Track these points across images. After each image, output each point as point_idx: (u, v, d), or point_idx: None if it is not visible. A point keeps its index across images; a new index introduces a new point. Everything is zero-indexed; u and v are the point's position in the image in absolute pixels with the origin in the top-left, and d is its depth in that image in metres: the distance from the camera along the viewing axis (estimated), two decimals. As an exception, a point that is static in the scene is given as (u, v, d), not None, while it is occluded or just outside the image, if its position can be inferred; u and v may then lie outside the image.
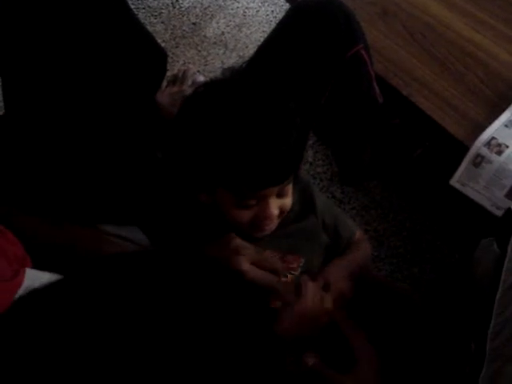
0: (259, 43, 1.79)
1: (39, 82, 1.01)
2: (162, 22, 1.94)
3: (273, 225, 0.93)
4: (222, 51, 1.87)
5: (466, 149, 1.12)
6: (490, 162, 1.10)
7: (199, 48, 1.88)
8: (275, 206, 0.90)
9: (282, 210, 0.92)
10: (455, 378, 0.86)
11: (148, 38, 1.15)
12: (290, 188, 0.91)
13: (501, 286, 0.82)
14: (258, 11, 1.96)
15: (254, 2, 1.99)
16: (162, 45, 1.66)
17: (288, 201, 0.93)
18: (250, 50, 1.83)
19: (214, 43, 1.89)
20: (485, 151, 1.10)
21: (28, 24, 0.99)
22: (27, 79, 1.02)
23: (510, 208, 0.91)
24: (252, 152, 0.82)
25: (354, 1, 1.34)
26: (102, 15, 1.03)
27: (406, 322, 1.00)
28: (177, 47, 1.87)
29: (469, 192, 1.13)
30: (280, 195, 0.90)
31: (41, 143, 1.01)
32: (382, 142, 1.37)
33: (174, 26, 1.93)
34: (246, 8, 1.97)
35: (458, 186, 1.14)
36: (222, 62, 1.84)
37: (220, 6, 1.98)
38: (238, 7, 1.98)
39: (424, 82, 1.23)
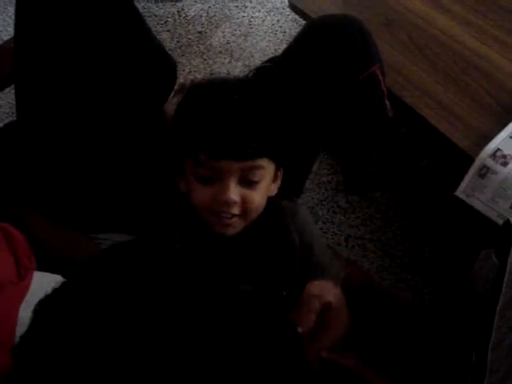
0: (265, 52, 1.81)
1: (52, 91, 1.02)
2: (168, 31, 1.95)
3: (235, 222, 0.91)
4: (227, 60, 1.88)
5: (472, 160, 1.13)
6: (495, 173, 1.10)
7: (205, 57, 1.89)
8: (236, 191, 0.87)
9: (245, 203, 0.89)
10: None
11: (159, 49, 1.16)
12: (259, 185, 0.90)
13: (501, 298, 0.82)
14: (263, 20, 1.97)
15: (259, 12, 2.00)
16: (168, 54, 1.67)
17: (255, 195, 0.90)
18: (256, 60, 1.84)
19: (220, 52, 1.90)
20: (490, 162, 1.10)
21: (43, 35, 1.00)
22: (40, 89, 1.03)
23: (508, 220, 0.91)
24: (219, 117, 0.86)
25: (359, 12, 1.35)
26: (113, 25, 1.05)
27: (409, 332, 1.00)
28: (182, 56, 1.88)
29: (474, 203, 1.13)
30: (244, 183, 0.88)
31: (51, 150, 1.02)
32: (389, 151, 1.37)
33: (179, 34, 1.95)
34: (252, 17, 1.98)
35: (463, 196, 1.14)
36: (228, 70, 1.85)
37: (226, 15, 1.99)
38: (243, 16, 1.99)
39: (429, 93, 1.23)
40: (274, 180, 0.96)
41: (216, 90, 0.91)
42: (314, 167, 1.61)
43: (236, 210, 0.89)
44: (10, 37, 1.08)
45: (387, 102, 1.20)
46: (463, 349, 0.89)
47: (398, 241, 1.49)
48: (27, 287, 0.77)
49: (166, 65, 1.13)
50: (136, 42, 1.06)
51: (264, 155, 0.88)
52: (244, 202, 0.89)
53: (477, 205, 1.13)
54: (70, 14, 1.00)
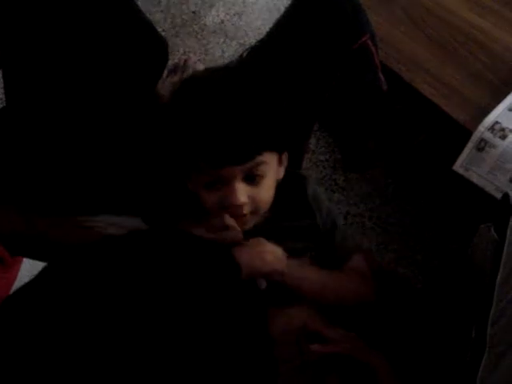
0: (259, 31, 1.79)
1: (38, 73, 1.00)
2: (162, 11, 1.93)
3: (247, 219, 0.90)
4: (222, 39, 1.85)
5: (470, 133, 1.12)
6: (493, 146, 1.09)
7: (199, 37, 1.87)
8: (243, 192, 0.87)
9: (254, 202, 0.89)
10: (457, 365, 0.86)
11: (148, 28, 1.14)
12: (265, 178, 0.89)
13: (500, 272, 0.82)
14: (257, -1, 1.95)
15: (253, -10, 1.97)
16: (162, 34, 1.65)
17: (263, 193, 0.90)
18: (251, 38, 1.82)
19: (214, 32, 1.88)
20: (488, 135, 1.09)
21: (26, 15, 0.98)
22: (27, 70, 1.02)
23: (507, 193, 0.90)
24: (213, 126, 0.83)
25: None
26: (102, 4, 1.02)
27: (408, 310, 1.00)
28: (176, 36, 1.86)
29: (472, 177, 1.12)
30: (250, 182, 0.88)
31: (40, 134, 1.01)
32: (386, 128, 1.36)
33: (173, 14, 1.92)
34: (246, -4, 1.96)
35: (461, 171, 1.13)
36: (223, 50, 1.83)
37: (219, -6, 1.97)
38: (237, -5, 1.96)
39: (426, 68, 1.22)
40: (280, 164, 0.96)
41: (207, 93, 0.87)
42: (312, 146, 1.60)
43: (247, 210, 0.89)
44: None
45: (381, 76, 1.18)
46: (463, 324, 0.89)
47: (396, 218, 1.48)
48: (14, 277, 0.77)
49: (156, 44, 1.11)
50: (124, 21, 1.04)
51: (264, 150, 0.87)
52: (253, 200, 0.89)
53: (475, 179, 1.12)
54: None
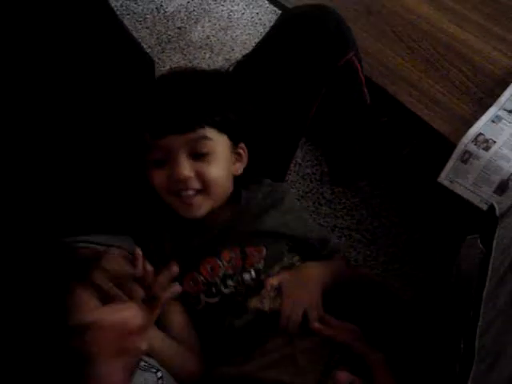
0: (245, 45, 1.80)
1: (25, 86, 1.00)
2: (147, 28, 1.93)
3: (197, 201, 0.92)
4: (207, 55, 1.86)
5: (454, 146, 1.12)
6: (477, 158, 1.09)
7: (185, 52, 1.87)
8: (186, 165, 0.89)
9: (201, 178, 0.91)
10: (445, 377, 0.85)
11: (134, 46, 1.14)
12: (212, 156, 0.92)
13: (487, 285, 0.82)
14: (243, 14, 1.96)
15: (238, 5, 1.98)
16: (148, 50, 1.66)
17: (210, 168, 0.91)
18: (236, 53, 1.83)
19: (200, 47, 1.88)
20: (472, 147, 1.10)
21: (15, 30, 0.98)
22: (14, 83, 1.01)
23: (492, 204, 0.90)
24: (160, 99, 0.92)
25: (339, 1, 1.34)
26: (87, 23, 1.02)
27: (396, 321, 1.00)
28: (162, 52, 1.87)
29: (457, 189, 1.12)
30: (196, 157, 0.90)
31: (25, 150, 1.00)
32: (371, 140, 1.37)
33: (159, 31, 1.93)
34: (231, 11, 1.97)
35: (446, 183, 1.14)
36: (209, 65, 1.83)
37: (205, 10, 1.98)
38: (222, 10, 1.97)
39: (409, 80, 1.23)
40: (238, 159, 0.99)
41: (169, 78, 0.98)
42: (299, 159, 1.60)
43: (194, 185, 0.91)
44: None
45: (365, 90, 1.19)
46: (451, 337, 0.89)
47: (384, 230, 1.49)
48: None
49: (142, 61, 1.12)
50: (110, 40, 1.05)
51: (206, 125, 0.91)
52: (199, 175, 0.91)
53: (460, 190, 1.12)
54: (41, 10, 0.99)
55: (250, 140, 1.04)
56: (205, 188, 0.92)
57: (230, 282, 0.95)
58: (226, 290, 0.95)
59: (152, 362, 0.80)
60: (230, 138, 0.96)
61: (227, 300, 0.95)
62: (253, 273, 0.95)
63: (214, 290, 0.95)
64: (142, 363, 0.76)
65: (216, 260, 0.96)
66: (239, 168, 1.00)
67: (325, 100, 1.12)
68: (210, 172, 0.91)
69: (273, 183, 1.06)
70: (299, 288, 0.94)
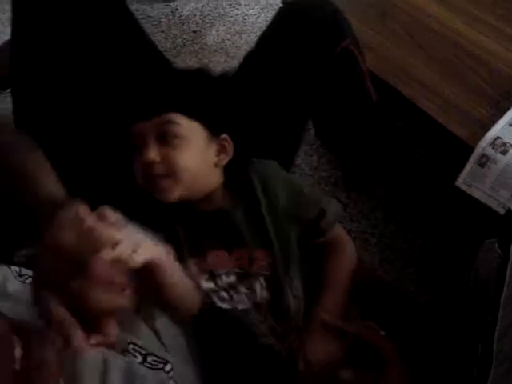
0: (260, 49, 1.79)
1: (47, 94, 1.03)
2: (162, 32, 1.94)
3: (168, 184, 0.91)
4: (223, 59, 1.87)
5: (471, 149, 1.11)
6: (495, 161, 1.09)
7: (200, 56, 1.88)
8: (153, 150, 0.90)
9: (167, 163, 0.91)
10: (463, 381, 0.85)
11: (154, 50, 1.16)
12: (181, 141, 0.92)
13: (505, 289, 0.81)
14: (257, 17, 1.96)
15: (253, 9, 1.99)
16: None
17: (178, 154, 0.91)
18: (251, 57, 1.83)
19: (215, 51, 1.89)
20: (490, 151, 1.09)
21: (38, 36, 1.01)
22: (36, 88, 1.04)
23: (510, 208, 0.90)
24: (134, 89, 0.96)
25: (353, 3, 1.34)
26: (108, 27, 1.05)
27: (413, 325, 1.00)
28: (177, 56, 1.87)
29: (475, 193, 1.11)
30: (164, 142, 0.91)
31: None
32: (386, 145, 1.36)
33: (174, 34, 1.94)
34: (246, 15, 1.97)
35: (463, 187, 1.13)
36: (224, 69, 1.83)
37: (220, 14, 1.98)
38: (237, 14, 1.98)
39: (425, 83, 1.22)
40: (222, 151, 0.99)
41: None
42: (314, 163, 1.60)
43: (159, 170, 0.91)
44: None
45: (370, 85, 1.19)
46: (469, 341, 0.88)
47: (400, 234, 1.48)
48: None
49: (160, 63, 1.13)
50: (131, 44, 1.07)
51: (173, 110, 0.92)
52: (166, 161, 0.91)
53: (477, 194, 1.11)
54: (63, 16, 1.01)
55: (252, 132, 1.05)
56: (171, 173, 0.92)
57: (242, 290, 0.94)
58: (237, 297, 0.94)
59: (162, 354, 0.76)
60: (206, 126, 0.96)
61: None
62: (262, 281, 0.95)
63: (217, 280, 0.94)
64: (150, 359, 0.72)
65: (225, 253, 0.95)
66: (223, 160, 0.99)
67: (329, 94, 1.13)
68: (176, 157, 0.91)
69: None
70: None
